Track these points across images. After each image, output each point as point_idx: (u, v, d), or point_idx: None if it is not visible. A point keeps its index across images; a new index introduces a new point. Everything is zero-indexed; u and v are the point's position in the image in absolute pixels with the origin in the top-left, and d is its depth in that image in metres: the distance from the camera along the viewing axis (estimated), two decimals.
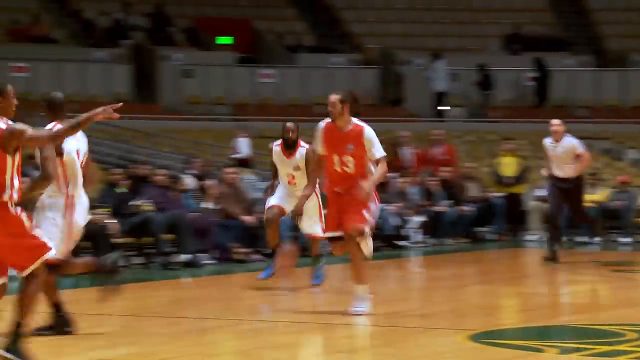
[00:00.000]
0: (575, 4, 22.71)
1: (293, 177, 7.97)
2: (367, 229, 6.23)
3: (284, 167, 8.02)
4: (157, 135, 16.67)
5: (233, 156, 14.90)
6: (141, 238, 10.61)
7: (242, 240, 11.06)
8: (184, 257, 10.41)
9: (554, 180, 10.39)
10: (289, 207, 7.92)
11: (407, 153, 14.66)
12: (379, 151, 6.24)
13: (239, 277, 10.09)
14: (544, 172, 10.84)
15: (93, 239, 9.82)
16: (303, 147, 7.93)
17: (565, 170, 10.22)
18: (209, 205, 11.18)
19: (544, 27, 21.80)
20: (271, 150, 8.15)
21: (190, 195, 11.49)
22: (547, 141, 10.40)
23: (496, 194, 14.70)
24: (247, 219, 11.12)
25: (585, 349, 5.21)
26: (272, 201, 8.01)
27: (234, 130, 15.63)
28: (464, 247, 13.77)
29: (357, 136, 6.22)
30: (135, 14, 19.89)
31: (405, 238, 13.33)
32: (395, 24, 22.28)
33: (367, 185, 6.10)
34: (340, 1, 22.15)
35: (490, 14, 22.60)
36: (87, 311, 7.02)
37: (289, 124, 8.05)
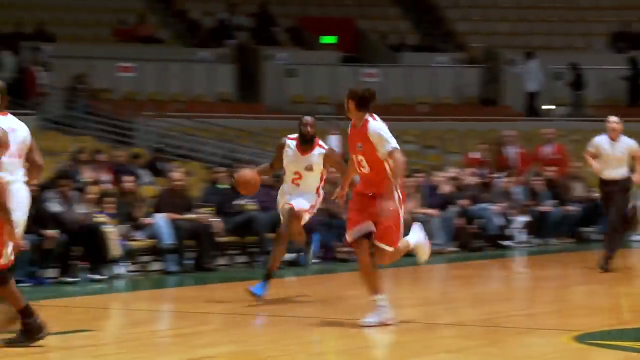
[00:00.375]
0: None
1: (300, 176, 7.23)
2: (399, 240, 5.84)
3: (295, 164, 7.22)
4: (261, 135, 16.93)
5: None
6: (245, 237, 10.75)
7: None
8: (287, 257, 10.52)
9: (602, 183, 9.58)
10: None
11: (512, 152, 14.48)
12: (386, 146, 5.72)
13: (343, 276, 10.13)
14: (596, 170, 9.63)
15: (197, 237, 10.15)
16: (322, 148, 7.25)
17: (617, 172, 9.39)
18: None
19: None
20: (283, 144, 7.28)
21: None
22: (601, 140, 9.50)
23: None
24: None
25: None
26: (284, 199, 7.31)
27: (326, 127, 15.74)
28: (568, 247, 13.50)
29: (364, 133, 5.81)
30: (240, 14, 20.23)
31: (510, 238, 13.13)
32: (500, 23, 22.01)
33: (387, 203, 5.61)
34: (444, 0, 22.00)
35: (596, 12, 22.07)
36: (189, 309, 7.27)
37: (308, 118, 7.35)
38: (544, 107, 19.41)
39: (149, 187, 11.90)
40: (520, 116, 18.96)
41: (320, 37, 20.97)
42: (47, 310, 6.01)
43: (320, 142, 7.34)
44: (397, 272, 8.78)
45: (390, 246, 5.80)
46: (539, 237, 13.48)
